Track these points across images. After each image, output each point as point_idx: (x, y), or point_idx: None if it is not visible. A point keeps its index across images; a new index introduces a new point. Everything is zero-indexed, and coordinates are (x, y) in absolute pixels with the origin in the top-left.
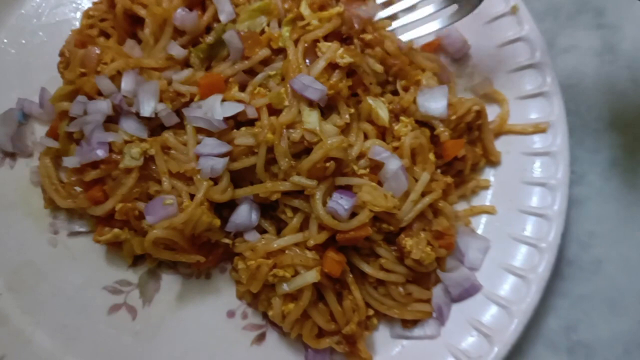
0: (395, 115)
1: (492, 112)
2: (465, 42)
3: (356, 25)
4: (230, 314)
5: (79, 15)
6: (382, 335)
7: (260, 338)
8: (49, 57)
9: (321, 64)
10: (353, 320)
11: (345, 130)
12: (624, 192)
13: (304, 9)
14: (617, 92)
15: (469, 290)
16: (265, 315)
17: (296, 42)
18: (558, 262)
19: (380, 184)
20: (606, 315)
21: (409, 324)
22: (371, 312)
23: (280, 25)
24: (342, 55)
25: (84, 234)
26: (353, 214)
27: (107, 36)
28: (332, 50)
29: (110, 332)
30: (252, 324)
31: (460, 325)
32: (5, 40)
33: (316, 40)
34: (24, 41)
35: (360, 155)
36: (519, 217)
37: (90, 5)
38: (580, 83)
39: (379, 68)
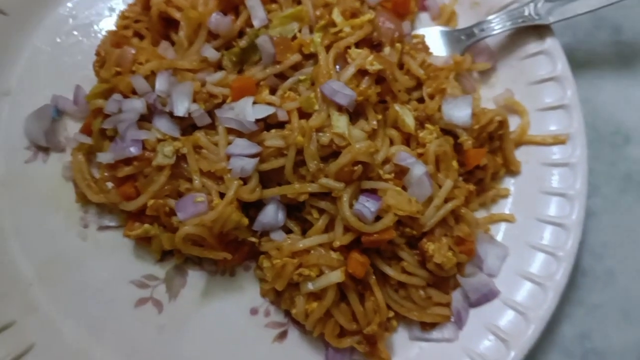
0: (420, 123)
1: (512, 123)
2: (493, 53)
3: (396, 34)
4: (254, 312)
5: (113, 16)
6: (400, 337)
7: (282, 336)
8: (82, 56)
9: (351, 70)
10: (374, 321)
11: (372, 135)
12: (638, 204)
13: (336, 16)
14: (633, 107)
15: (487, 296)
16: (287, 314)
17: (328, 48)
18: (573, 271)
19: (404, 188)
20: (619, 324)
21: (428, 326)
22: (391, 313)
23: (311, 32)
24: (372, 62)
25: (113, 229)
26: (377, 217)
27: (141, 37)
28: (362, 57)
29: (136, 324)
30: (275, 321)
31: (478, 329)
32: (41, 39)
33: (347, 47)
34: (59, 40)
35: (386, 161)
36: (537, 225)
37: (124, 6)
38: (597, 97)
39: (407, 80)
